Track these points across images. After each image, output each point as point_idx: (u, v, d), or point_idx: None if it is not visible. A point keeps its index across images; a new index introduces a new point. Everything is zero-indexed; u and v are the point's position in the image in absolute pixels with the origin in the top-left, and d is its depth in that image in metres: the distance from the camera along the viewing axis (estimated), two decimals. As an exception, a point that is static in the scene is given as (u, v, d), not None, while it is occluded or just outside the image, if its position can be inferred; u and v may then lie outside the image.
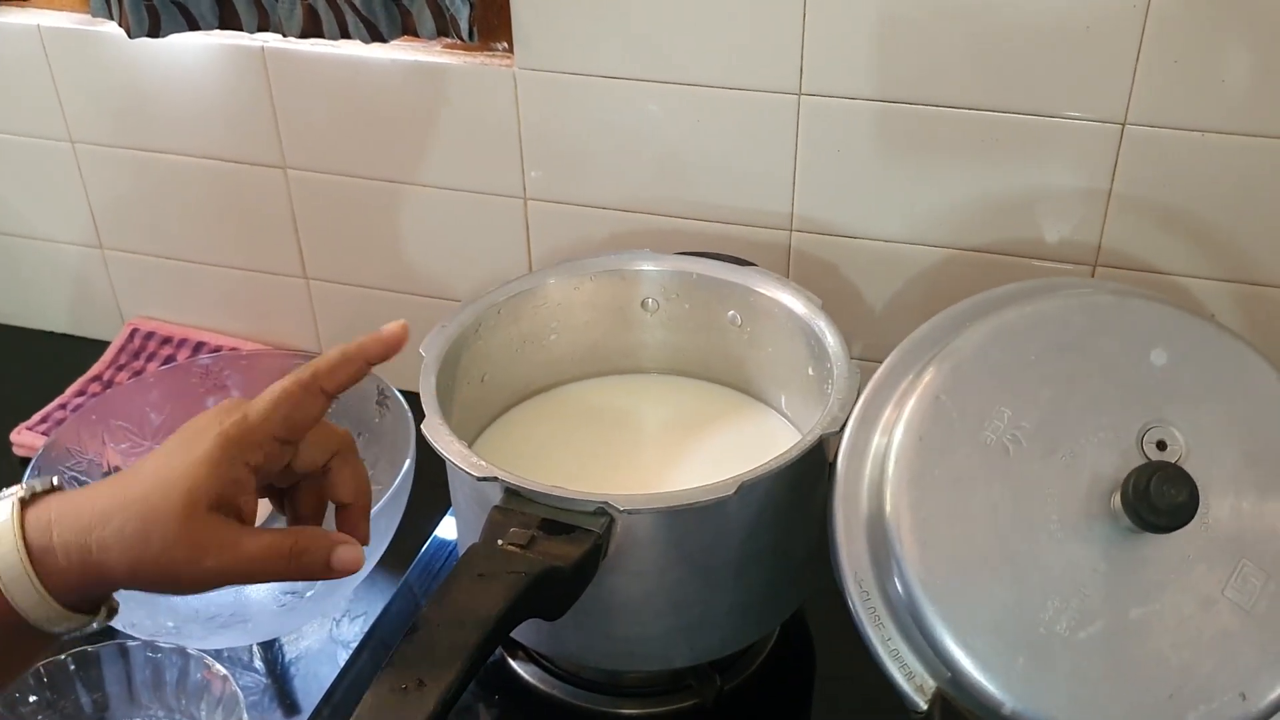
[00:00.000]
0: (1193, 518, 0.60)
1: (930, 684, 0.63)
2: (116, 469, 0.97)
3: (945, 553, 0.63)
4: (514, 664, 0.85)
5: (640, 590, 0.73)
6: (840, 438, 0.70)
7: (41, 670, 0.78)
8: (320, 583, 0.83)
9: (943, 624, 0.61)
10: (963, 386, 0.66)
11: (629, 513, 0.68)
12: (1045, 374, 0.66)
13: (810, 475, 0.76)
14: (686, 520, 0.70)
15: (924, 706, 0.63)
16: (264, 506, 0.98)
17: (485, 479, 0.70)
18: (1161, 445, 0.63)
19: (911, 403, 0.66)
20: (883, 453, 0.66)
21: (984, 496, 0.63)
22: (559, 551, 0.66)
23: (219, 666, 0.79)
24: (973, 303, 0.73)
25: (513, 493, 0.70)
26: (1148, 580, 0.62)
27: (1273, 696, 0.60)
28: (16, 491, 0.57)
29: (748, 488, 0.69)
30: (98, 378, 1.16)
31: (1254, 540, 0.63)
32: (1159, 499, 0.59)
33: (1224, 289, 0.88)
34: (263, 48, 1.01)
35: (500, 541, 0.67)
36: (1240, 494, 0.64)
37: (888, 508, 0.64)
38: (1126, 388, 0.65)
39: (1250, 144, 0.82)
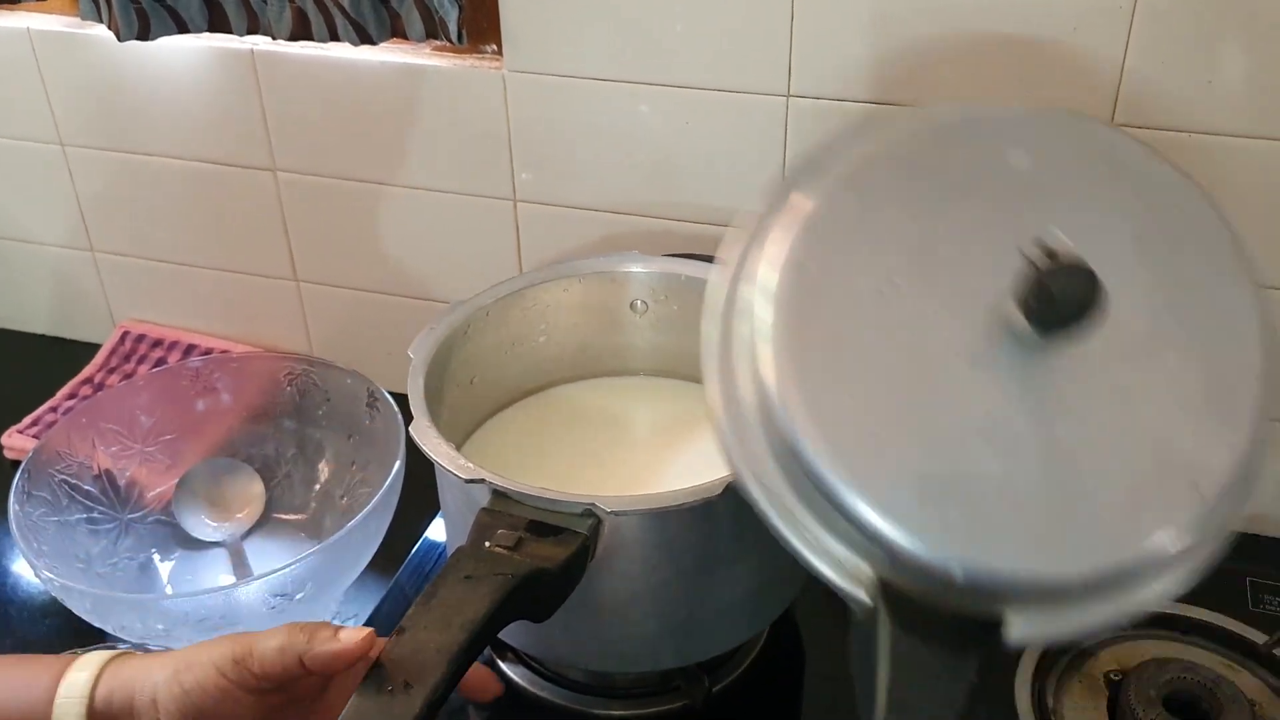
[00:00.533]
0: (1098, 303, 0.53)
1: (866, 571, 0.55)
2: (107, 471, 0.97)
3: (845, 423, 0.54)
4: (503, 665, 0.85)
5: (628, 591, 0.73)
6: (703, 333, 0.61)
7: (31, 673, 0.78)
8: (310, 584, 0.83)
9: (863, 500, 0.52)
10: (820, 245, 0.58)
11: (616, 514, 0.69)
12: (907, 209, 0.58)
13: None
14: (674, 521, 0.71)
15: (868, 599, 0.55)
16: (257, 501, 0.99)
17: (472, 481, 0.70)
18: (1050, 253, 0.54)
19: (772, 280, 0.57)
20: (750, 339, 0.57)
21: (872, 352, 0.56)
22: (546, 553, 0.66)
23: (208, 669, 0.79)
24: (803, 162, 0.62)
25: (500, 495, 0.70)
26: (1068, 392, 0.55)
27: (1223, 480, 0.54)
28: (94, 661, 0.63)
29: (735, 489, 0.69)
30: (88, 380, 1.16)
31: (1165, 323, 0.57)
32: (1063, 296, 0.52)
33: (1211, 289, 0.88)
34: (252, 50, 1.01)
35: (487, 543, 0.67)
36: (1140, 278, 0.57)
37: (773, 394, 0.55)
38: (998, 202, 0.58)
39: (1236, 145, 0.82)
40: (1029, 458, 0.54)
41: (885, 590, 0.54)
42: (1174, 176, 0.60)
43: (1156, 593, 0.54)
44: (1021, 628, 0.53)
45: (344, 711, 0.57)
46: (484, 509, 0.70)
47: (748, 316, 0.58)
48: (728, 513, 0.71)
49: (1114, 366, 0.55)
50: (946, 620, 0.54)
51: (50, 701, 0.62)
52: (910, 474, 0.53)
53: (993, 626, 0.53)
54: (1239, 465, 0.54)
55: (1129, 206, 0.59)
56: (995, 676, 0.83)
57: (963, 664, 0.56)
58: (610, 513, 0.68)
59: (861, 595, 0.55)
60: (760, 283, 0.57)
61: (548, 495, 0.69)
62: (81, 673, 0.63)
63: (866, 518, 0.52)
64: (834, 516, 0.54)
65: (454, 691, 0.60)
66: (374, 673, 0.58)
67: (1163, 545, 0.52)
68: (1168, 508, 0.53)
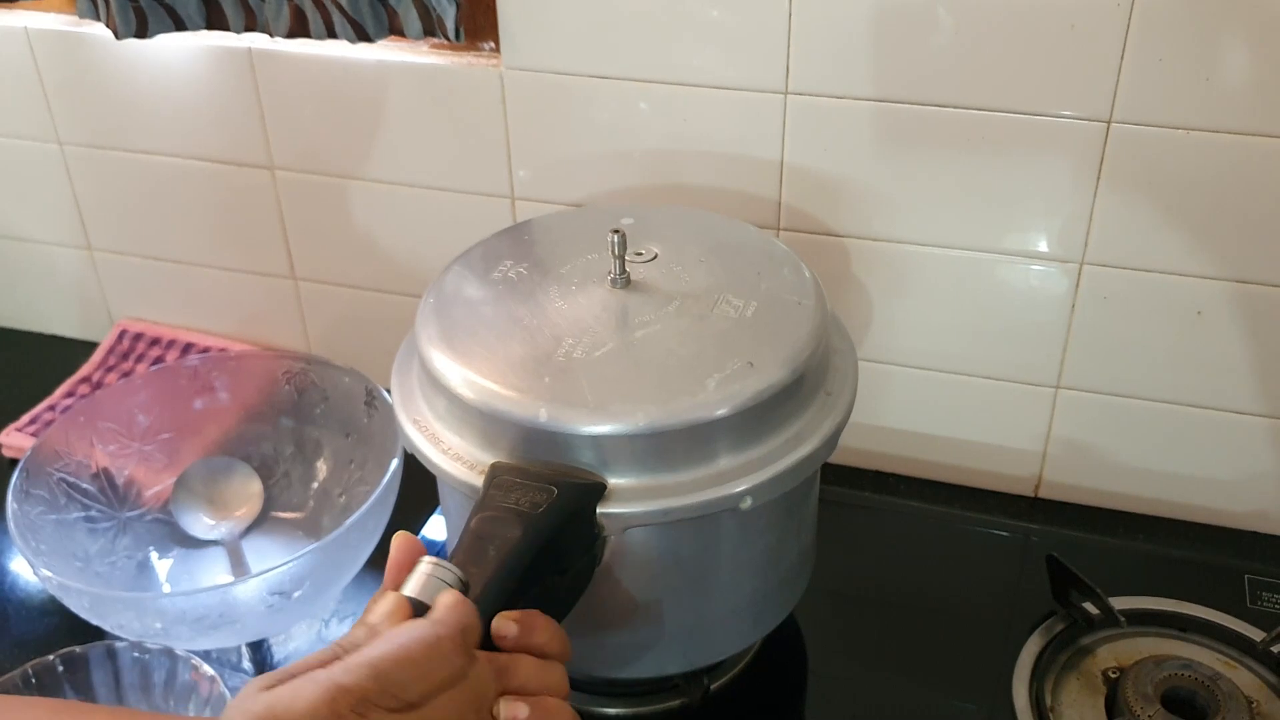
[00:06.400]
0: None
1: (484, 460, 0.69)
2: (105, 470, 0.97)
3: (470, 353, 0.72)
4: (502, 664, 0.85)
5: (633, 599, 0.73)
6: None
7: (30, 671, 0.78)
8: (308, 582, 0.83)
9: (479, 380, 0.70)
10: (466, 275, 0.80)
11: (625, 530, 0.68)
12: (523, 242, 0.84)
13: (803, 482, 0.76)
14: (680, 530, 0.70)
15: (479, 480, 0.68)
16: (255, 500, 0.99)
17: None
18: (639, 253, 0.79)
19: (433, 303, 0.78)
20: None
21: (498, 313, 0.75)
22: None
23: (207, 667, 0.79)
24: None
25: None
26: (642, 315, 0.74)
27: (776, 366, 0.70)
28: None
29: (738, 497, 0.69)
30: (87, 379, 1.16)
31: (725, 284, 0.77)
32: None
33: (1212, 286, 0.88)
34: (249, 48, 1.01)
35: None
36: (694, 266, 0.78)
37: (431, 355, 0.73)
38: (596, 240, 0.80)
39: (1235, 141, 0.82)
40: (609, 348, 0.71)
41: (493, 469, 0.69)
42: (751, 230, 0.85)
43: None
44: (621, 494, 0.67)
45: None
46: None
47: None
48: (733, 520, 0.71)
49: (682, 302, 0.75)
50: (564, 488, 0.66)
51: None
52: (513, 364, 0.70)
53: (599, 489, 0.67)
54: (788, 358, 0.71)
55: (685, 237, 0.82)
56: (993, 675, 0.83)
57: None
58: (619, 529, 0.68)
59: (475, 480, 0.69)
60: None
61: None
62: None
63: (471, 384, 0.70)
64: (463, 415, 0.70)
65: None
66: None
67: (710, 389, 0.68)
68: (724, 374, 0.69)
